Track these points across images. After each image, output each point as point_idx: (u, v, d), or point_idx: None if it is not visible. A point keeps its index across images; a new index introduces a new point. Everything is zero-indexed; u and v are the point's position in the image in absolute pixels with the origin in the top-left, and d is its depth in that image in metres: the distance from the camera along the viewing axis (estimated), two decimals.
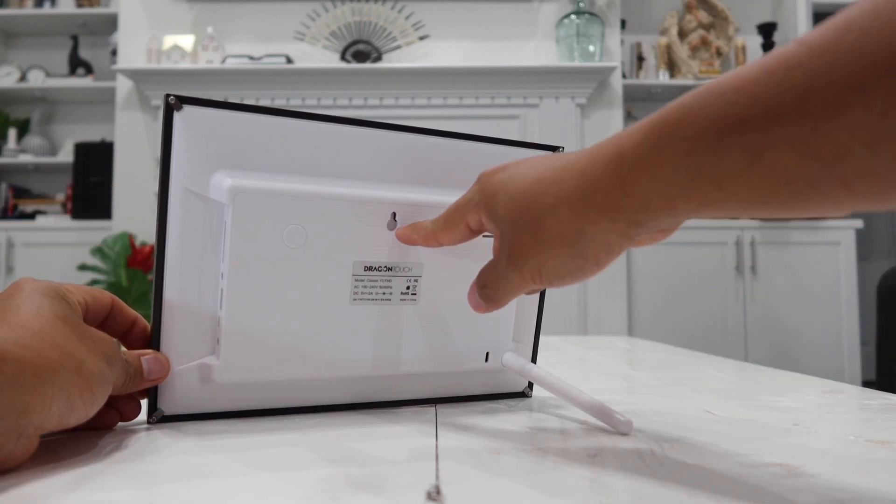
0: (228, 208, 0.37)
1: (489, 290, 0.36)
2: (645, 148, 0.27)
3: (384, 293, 0.43)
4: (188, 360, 0.39)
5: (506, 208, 0.33)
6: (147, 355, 0.37)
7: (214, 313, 0.39)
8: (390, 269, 0.42)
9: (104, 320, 0.37)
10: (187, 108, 0.37)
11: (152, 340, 0.38)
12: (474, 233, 0.38)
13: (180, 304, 0.38)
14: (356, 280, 0.41)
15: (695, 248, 2.86)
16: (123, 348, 0.36)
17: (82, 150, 3.00)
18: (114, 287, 2.56)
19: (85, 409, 0.30)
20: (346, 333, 0.42)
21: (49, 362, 0.28)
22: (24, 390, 0.27)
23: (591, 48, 2.86)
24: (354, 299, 0.42)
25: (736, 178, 0.24)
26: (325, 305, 0.41)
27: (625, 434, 0.37)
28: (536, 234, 0.31)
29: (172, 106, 0.37)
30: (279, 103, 2.83)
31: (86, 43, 3.30)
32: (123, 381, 0.34)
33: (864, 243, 3.98)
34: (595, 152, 0.30)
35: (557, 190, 0.31)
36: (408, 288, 0.43)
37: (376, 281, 0.42)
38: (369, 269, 0.42)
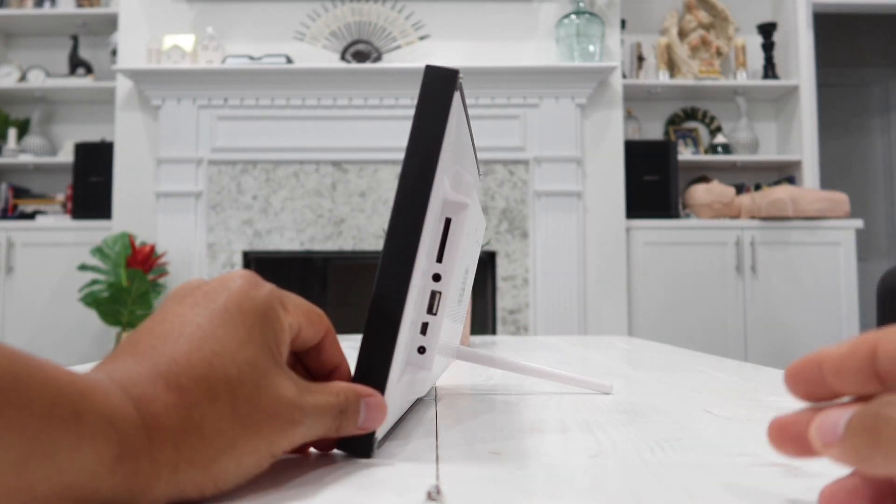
0: (461, 206, 0.33)
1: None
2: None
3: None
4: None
5: None
6: (371, 398, 0.29)
7: (422, 320, 0.33)
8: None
9: (308, 351, 0.30)
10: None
11: (363, 370, 0.30)
12: None
13: (413, 318, 0.31)
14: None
15: (695, 248, 2.86)
16: (341, 383, 0.29)
17: (82, 150, 3.00)
18: (114, 287, 2.57)
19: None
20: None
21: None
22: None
23: (591, 48, 2.86)
24: (460, 302, 0.41)
25: None
26: (454, 308, 0.39)
27: (607, 394, 0.37)
28: None
29: (454, 80, 0.29)
30: (279, 103, 2.84)
31: (86, 43, 3.31)
32: (327, 429, 0.27)
33: (864, 243, 3.98)
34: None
35: None
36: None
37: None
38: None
